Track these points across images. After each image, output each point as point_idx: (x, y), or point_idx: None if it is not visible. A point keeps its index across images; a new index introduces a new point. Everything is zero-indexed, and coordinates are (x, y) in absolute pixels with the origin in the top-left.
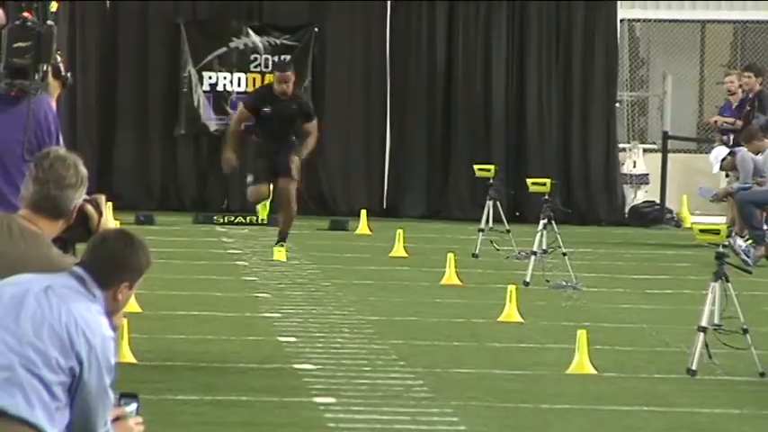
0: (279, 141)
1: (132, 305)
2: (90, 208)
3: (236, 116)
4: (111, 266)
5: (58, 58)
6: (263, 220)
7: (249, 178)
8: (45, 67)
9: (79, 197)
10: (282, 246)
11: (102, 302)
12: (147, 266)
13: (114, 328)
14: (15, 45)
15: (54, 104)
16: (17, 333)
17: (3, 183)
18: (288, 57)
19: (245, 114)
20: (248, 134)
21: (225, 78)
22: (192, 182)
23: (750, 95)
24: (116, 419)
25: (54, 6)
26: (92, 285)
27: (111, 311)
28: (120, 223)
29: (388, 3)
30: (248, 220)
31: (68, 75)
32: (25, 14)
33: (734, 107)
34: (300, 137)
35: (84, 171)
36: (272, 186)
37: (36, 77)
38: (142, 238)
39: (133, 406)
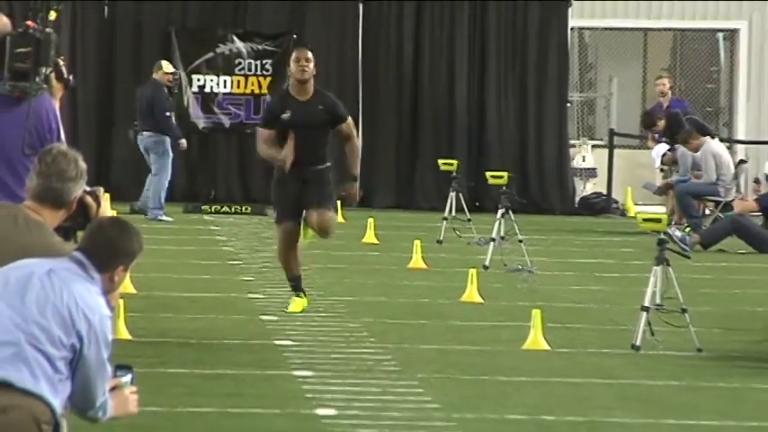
0: (307, 161)
1: (128, 287)
2: (89, 199)
3: (259, 141)
4: (108, 252)
5: (61, 63)
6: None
7: (276, 213)
8: (45, 71)
9: (79, 189)
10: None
11: (100, 284)
12: (139, 251)
13: (111, 308)
14: (17, 50)
15: (57, 104)
16: (23, 312)
17: (7, 174)
18: (270, 61)
19: (268, 135)
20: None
21: (212, 81)
22: (183, 174)
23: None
24: (113, 389)
25: (53, 15)
26: (90, 269)
27: (108, 292)
28: (117, 212)
29: (360, 13)
30: (233, 210)
31: (70, 77)
32: (28, 23)
33: (664, 107)
34: (329, 152)
35: (83, 165)
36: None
37: (37, 80)
38: (135, 225)
39: (128, 377)
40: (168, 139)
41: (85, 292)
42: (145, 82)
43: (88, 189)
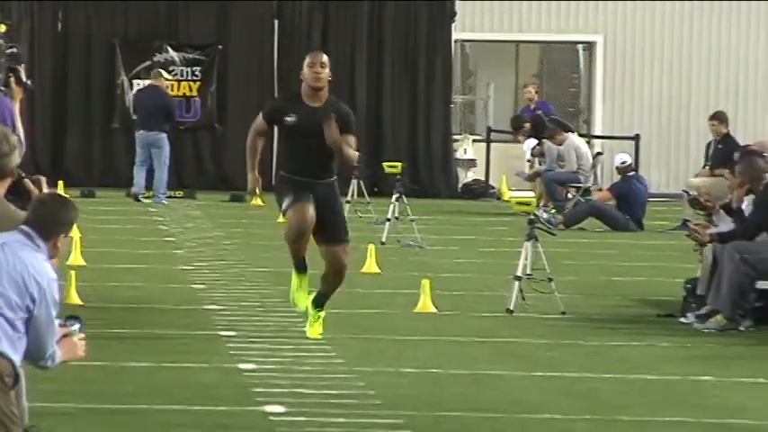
0: (315, 172)
1: (78, 260)
2: (32, 186)
3: (252, 127)
4: (50, 223)
5: (21, 69)
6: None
7: (286, 201)
8: None
9: (16, 159)
10: (320, 315)
11: (46, 251)
12: (76, 219)
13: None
14: None
15: (17, 105)
16: None
17: None
18: (199, 68)
19: (261, 126)
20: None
21: None
22: (125, 164)
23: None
24: (64, 336)
25: (3, 28)
26: (37, 239)
27: (52, 256)
28: (69, 195)
29: (275, 27)
30: (168, 195)
31: (29, 82)
32: None
33: (531, 108)
34: (336, 164)
35: (13, 139)
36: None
37: None
38: (71, 199)
39: (77, 326)
40: (166, 136)
41: (34, 259)
42: (93, 85)
43: (33, 177)
